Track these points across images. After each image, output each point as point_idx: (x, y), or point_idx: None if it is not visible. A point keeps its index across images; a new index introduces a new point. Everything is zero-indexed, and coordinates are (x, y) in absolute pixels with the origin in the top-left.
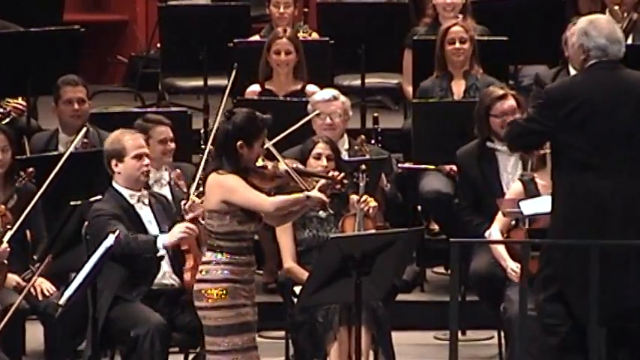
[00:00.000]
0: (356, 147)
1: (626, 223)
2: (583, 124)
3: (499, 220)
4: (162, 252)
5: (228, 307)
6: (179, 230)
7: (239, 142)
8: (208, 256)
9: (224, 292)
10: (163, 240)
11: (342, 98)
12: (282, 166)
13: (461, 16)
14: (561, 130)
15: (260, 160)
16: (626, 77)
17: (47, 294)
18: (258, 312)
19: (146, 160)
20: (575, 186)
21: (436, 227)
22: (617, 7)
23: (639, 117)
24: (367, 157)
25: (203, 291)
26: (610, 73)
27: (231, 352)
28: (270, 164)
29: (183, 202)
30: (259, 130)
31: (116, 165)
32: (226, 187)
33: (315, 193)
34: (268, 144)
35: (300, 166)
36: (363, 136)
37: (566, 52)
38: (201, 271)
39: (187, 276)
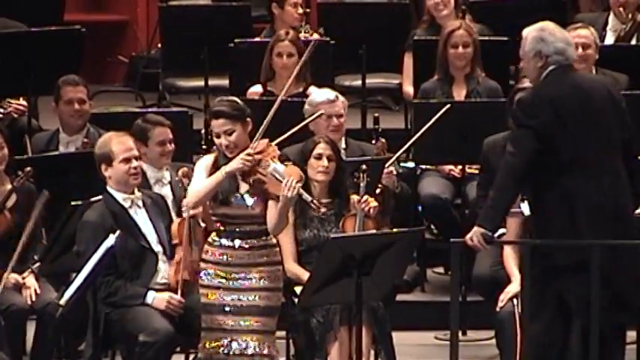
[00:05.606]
0: (375, 151)
1: (615, 222)
2: (564, 126)
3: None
4: (149, 299)
5: (204, 287)
6: (163, 302)
7: None
8: None
9: (202, 271)
10: (152, 297)
11: (342, 97)
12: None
13: (462, 19)
14: (545, 134)
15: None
16: (587, 78)
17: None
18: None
19: (134, 163)
20: (563, 188)
21: None
22: (621, 9)
23: (614, 115)
24: (367, 157)
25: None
26: (573, 75)
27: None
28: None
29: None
30: (210, 118)
31: (106, 169)
32: None
33: (230, 165)
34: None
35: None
36: (383, 140)
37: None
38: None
39: (171, 270)
